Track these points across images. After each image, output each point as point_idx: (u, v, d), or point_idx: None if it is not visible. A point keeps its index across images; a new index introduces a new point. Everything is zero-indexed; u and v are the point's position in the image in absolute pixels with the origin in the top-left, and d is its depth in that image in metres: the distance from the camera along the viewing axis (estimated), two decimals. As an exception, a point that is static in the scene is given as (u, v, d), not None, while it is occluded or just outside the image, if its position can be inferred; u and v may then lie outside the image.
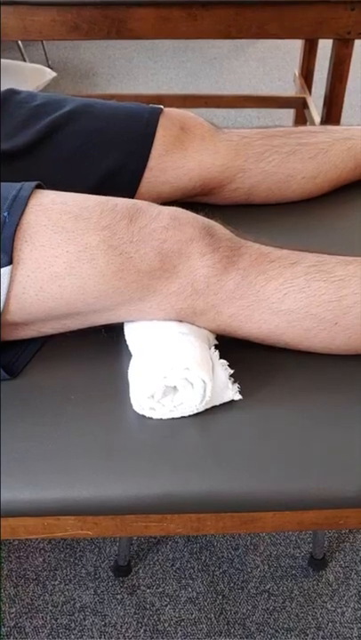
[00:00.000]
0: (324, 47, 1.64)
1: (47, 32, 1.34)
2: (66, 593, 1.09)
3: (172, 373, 0.61)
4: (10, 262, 0.60)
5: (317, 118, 1.73)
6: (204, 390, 0.61)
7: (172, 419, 0.63)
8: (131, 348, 0.67)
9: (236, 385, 0.65)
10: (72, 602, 1.08)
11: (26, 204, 0.61)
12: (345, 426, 0.63)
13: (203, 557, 1.14)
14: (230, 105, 2.01)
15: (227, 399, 0.64)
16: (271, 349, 0.69)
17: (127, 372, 0.66)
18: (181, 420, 0.63)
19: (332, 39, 1.47)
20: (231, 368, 0.66)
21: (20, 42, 2.32)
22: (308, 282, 0.64)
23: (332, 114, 1.60)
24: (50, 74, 1.87)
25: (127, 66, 2.69)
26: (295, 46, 1.96)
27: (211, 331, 0.68)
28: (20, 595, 1.09)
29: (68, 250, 0.61)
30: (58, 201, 0.63)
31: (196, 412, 0.63)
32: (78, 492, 0.60)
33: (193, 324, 0.67)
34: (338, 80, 1.54)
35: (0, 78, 1.75)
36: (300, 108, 1.91)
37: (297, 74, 1.97)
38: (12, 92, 0.86)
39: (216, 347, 0.68)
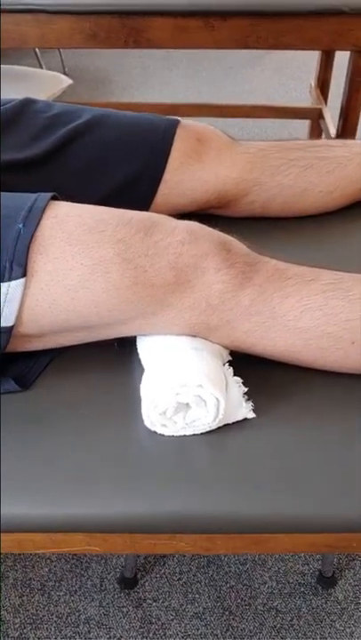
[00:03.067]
0: (341, 58, 1.63)
1: (65, 40, 1.34)
2: (71, 604, 1.08)
3: (184, 390, 0.60)
4: (24, 274, 0.59)
5: (333, 130, 1.72)
6: (217, 408, 0.60)
7: (184, 436, 0.62)
8: (143, 362, 0.66)
9: (250, 403, 0.64)
10: (77, 613, 1.07)
11: (41, 216, 0.61)
12: (360, 447, 0.62)
13: (210, 572, 1.12)
14: (246, 115, 2.00)
15: (240, 417, 0.63)
16: (286, 366, 0.68)
17: (139, 387, 0.65)
18: (193, 438, 0.62)
19: (350, 51, 1.46)
20: (245, 385, 0.65)
21: (36, 49, 2.33)
22: (325, 300, 0.63)
23: (347, 125, 1.59)
24: (66, 81, 1.87)
25: (143, 74, 2.70)
26: (311, 57, 1.95)
27: (224, 346, 0.67)
28: (24, 605, 1.08)
29: (82, 262, 0.60)
30: (73, 213, 0.63)
31: (208, 429, 0.62)
32: (87, 508, 0.59)
33: (207, 339, 0.66)
34: (354, 91, 1.53)
35: (0, 85, 1.76)
36: (315, 119, 1.90)
37: (313, 84, 1.96)
38: (29, 102, 0.86)
39: (230, 363, 0.67)
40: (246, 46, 1.35)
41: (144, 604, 1.08)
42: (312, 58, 1.96)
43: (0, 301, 0.60)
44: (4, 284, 0.59)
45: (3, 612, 1.07)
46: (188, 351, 0.63)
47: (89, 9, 1.29)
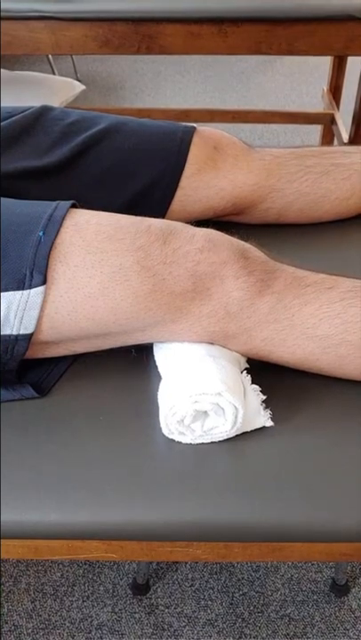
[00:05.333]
0: (354, 63, 1.64)
1: (78, 47, 1.34)
2: (83, 610, 1.08)
3: (202, 398, 0.60)
4: (44, 282, 0.60)
5: (345, 135, 1.72)
6: (236, 416, 0.60)
7: (202, 444, 0.62)
8: (160, 370, 0.66)
9: (268, 411, 0.64)
10: (89, 619, 1.07)
11: (61, 224, 0.61)
12: (379, 456, 0.62)
13: (222, 578, 1.12)
14: (258, 120, 2.00)
15: (258, 425, 0.63)
16: (304, 374, 0.67)
17: (156, 394, 0.65)
18: (211, 446, 0.62)
19: (363, 56, 1.46)
20: (263, 393, 0.64)
21: (49, 55, 2.34)
22: (344, 307, 0.62)
23: (360, 131, 1.59)
24: (79, 87, 1.88)
25: (155, 79, 2.71)
26: (324, 61, 1.96)
27: (242, 354, 0.67)
28: (37, 610, 1.08)
29: (101, 270, 0.60)
30: (92, 221, 0.63)
31: (226, 437, 0.62)
32: (105, 516, 0.59)
33: (224, 346, 0.66)
34: (367, 97, 1.53)
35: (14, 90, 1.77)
36: (327, 124, 1.90)
37: (325, 89, 1.96)
38: (46, 109, 0.86)
39: (247, 371, 0.66)
40: (259, 52, 1.35)
41: (156, 611, 1.08)
42: (324, 63, 1.96)
43: (20, 309, 0.60)
44: (25, 292, 0.59)
45: (15, 617, 1.07)
46: (206, 359, 0.63)
47: (102, 16, 1.29)
